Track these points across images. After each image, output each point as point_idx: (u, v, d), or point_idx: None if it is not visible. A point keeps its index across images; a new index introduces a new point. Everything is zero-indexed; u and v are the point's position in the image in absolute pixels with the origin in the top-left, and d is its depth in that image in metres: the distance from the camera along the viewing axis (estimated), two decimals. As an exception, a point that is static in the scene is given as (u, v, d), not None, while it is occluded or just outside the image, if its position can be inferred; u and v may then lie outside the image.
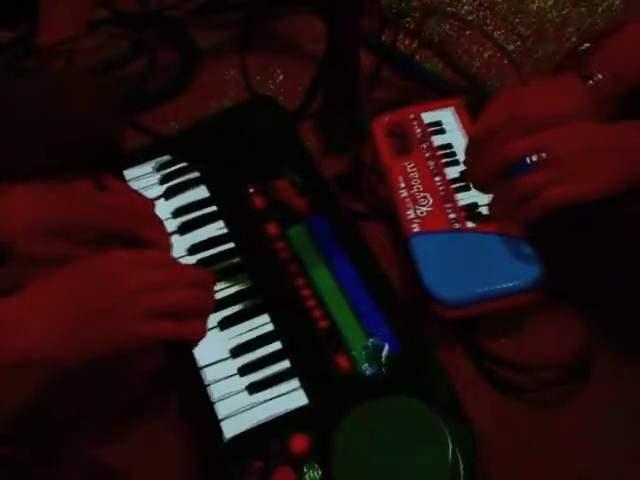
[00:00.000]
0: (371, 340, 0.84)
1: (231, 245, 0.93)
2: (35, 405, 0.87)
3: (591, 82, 0.88)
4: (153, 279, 0.76)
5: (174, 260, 0.83)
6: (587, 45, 0.98)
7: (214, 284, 0.82)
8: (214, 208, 0.97)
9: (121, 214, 0.85)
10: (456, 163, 0.99)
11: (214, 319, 0.87)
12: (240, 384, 0.83)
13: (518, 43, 1.22)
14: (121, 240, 0.85)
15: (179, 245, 0.93)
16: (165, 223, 0.93)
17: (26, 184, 0.82)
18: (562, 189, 0.83)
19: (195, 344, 0.79)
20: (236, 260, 0.92)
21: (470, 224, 0.93)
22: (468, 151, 0.92)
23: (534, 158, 0.86)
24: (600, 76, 0.87)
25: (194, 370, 0.84)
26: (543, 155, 0.85)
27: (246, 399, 0.82)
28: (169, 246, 0.88)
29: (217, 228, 0.95)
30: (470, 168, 0.93)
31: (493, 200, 0.92)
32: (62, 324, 0.71)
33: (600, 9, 1.25)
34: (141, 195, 0.93)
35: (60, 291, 0.73)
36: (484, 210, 0.94)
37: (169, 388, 0.89)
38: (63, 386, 0.86)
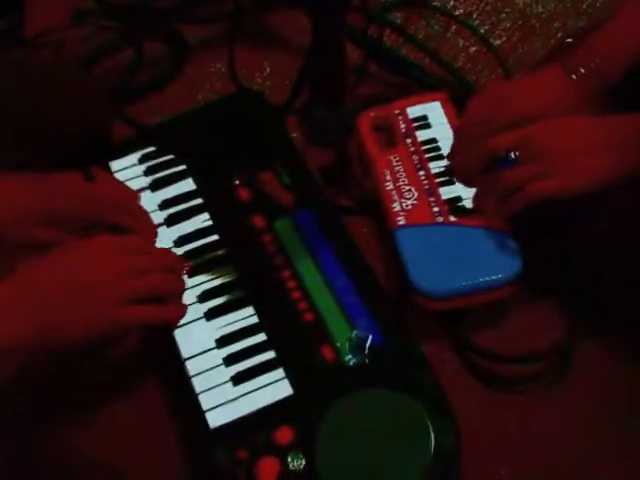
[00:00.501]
0: (355, 332, 0.85)
1: (217, 237, 0.94)
2: (15, 385, 0.87)
3: (574, 76, 0.89)
4: (131, 264, 0.80)
5: (150, 245, 0.86)
6: (571, 40, 0.99)
7: (183, 267, 0.88)
8: (200, 200, 0.97)
9: (107, 205, 0.86)
10: (440, 157, 1.00)
11: (200, 310, 0.88)
12: (225, 375, 0.84)
13: (504, 38, 1.23)
14: (107, 228, 0.87)
15: (166, 237, 0.94)
16: (152, 215, 0.94)
17: (16, 174, 0.84)
18: (545, 183, 0.84)
19: (176, 325, 0.84)
20: (222, 252, 0.93)
21: (453, 217, 0.94)
22: (454, 143, 0.93)
23: (517, 153, 0.87)
24: (583, 70, 0.88)
25: (179, 360, 0.85)
26: (527, 149, 0.86)
27: (231, 390, 0.83)
28: (153, 234, 0.90)
29: (203, 220, 0.95)
30: (454, 161, 0.94)
31: (477, 193, 0.93)
32: (42, 312, 0.73)
33: (584, 5, 1.26)
34: (126, 187, 0.94)
35: (40, 280, 0.75)
36: (467, 204, 0.94)
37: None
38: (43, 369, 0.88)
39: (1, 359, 0.73)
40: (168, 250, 0.90)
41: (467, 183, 0.93)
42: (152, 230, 0.92)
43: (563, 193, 0.85)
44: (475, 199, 0.93)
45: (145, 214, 0.92)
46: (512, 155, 0.88)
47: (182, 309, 0.85)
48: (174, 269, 0.85)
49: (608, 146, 0.84)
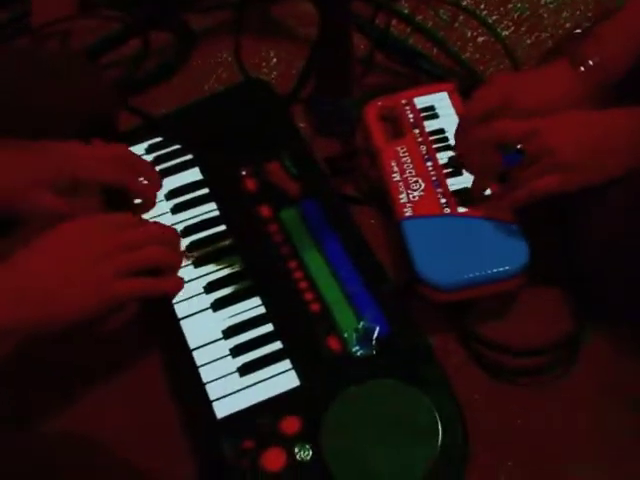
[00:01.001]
0: (362, 323, 0.85)
1: (223, 227, 0.94)
2: (12, 364, 0.89)
3: (582, 68, 0.88)
4: (126, 239, 0.79)
5: (140, 219, 0.85)
6: (579, 31, 0.98)
7: (179, 239, 0.87)
8: (206, 190, 0.97)
9: (107, 162, 0.86)
10: (448, 148, 0.99)
11: (207, 301, 0.88)
12: (232, 365, 0.84)
13: (512, 29, 1.23)
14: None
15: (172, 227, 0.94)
16: (158, 205, 0.94)
17: (15, 141, 0.84)
18: (549, 179, 0.84)
19: (173, 296, 0.86)
20: (228, 242, 0.93)
21: (461, 209, 0.94)
22: (458, 129, 0.93)
23: (522, 146, 0.87)
24: (591, 62, 0.88)
25: (186, 350, 0.85)
26: (532, 143, 0.85)
27: (238, 380, 0.83)
28: (158, 186, 0.90)
29: (209, 210, 0.95)
30: (459, 146, 0.94)
31: (478, 181, 0.93)
32: (39, 293, 0.73)
33: (594, -5, 1.25)
34: (125, 148, 0.93)
35: (35, 261, 0.75)
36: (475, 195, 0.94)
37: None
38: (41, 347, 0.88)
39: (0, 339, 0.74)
40: (164, 225, 0.88)
41: (471, 170, 0.93)
42: (156, 183, 0.91)
43: (566, 188, 0.85)
44: (474, 185, 0.93)
45: (149, 166, 0.92)
46: (518, 147, 0.87)
47: (180, 282, 0.84)
48: (171, 242, 0.84)
49: (612, 141, 0.84)
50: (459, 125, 0.93)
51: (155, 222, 0.89)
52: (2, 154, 0.82)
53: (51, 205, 0.82)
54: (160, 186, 0.91)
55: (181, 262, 0.85)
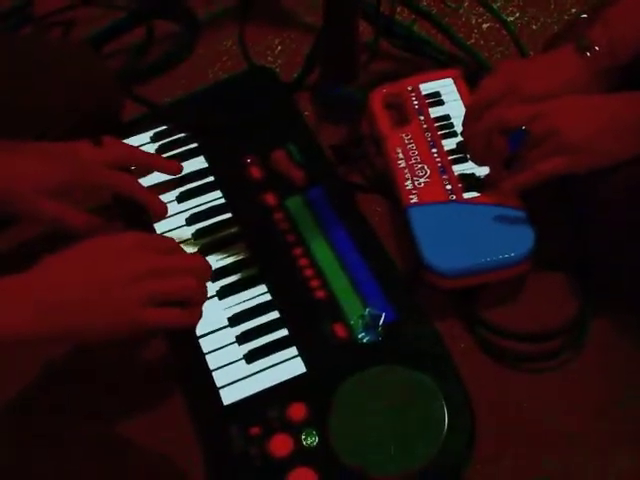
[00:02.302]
0: (368, 309, 0.85)
1: (229, 215, 0.94)
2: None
3: (589, 54, 0.88)
4: (158, 264, 0.76)
5: (177, 246, 0.81)
6: (585, 16, 0.98)
7: (210, 274, 0.82)
8: (212, 178, 0.97)
9: (119, 173, 0.85)
10: (453, 135, 0.99)
11: (212, 288, 0.88)
12: (238, 352, 0.84)
13: (517, 14, 1.22)
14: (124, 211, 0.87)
15: (178, 215, 0.94)
16: (163, 194, 0.94)
17: (21, 143, 0.84)
18: (555, 161, 0.84)
19: (194, 328, 0.82)
20: (234, 230, 0.93)
21: (467, 195, 0.93)
22: (466, 119, 0.93)
23: (528, 128, 0.86)
24: (598, 48, 0.88)
25: (193, 338, 0.85)
26: (539, 125, 0.85)
27: (244, 367, 0.83)
28: (163, 211, 0.90)
29: (215, 198, 0.95)
30: (467, 136, 0.93)
31: (490, 171, 0.93)
32: (58, 307, 0.71)
33: (599, -20, 1.24)
34: (137, 149, 0.94)
35: (60, 272, 0.73)
36: (480, 182, 0.94)
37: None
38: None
39: (19, 346, 0.72)
40: (200, 257, 0.86)
41: (478, 159, 0.93)
42: (162, 207, 0.90)
43: (573, 170, 0.85)
44: (488, 175, 0.93)
45: (161, 160, 0.92)
46: (523, 128, 0.87)
47: (200, 314, 0.80)
48: (204, 276, 0.80)
49: (618, 124, 0.84)
50: (466, 115, 0.93)
51: (195, 255, 0.87)
52: (8, 156, 0.82)
53: (53, 212, 0.82)
54: (180, 170, 0.92)
55: (206, 298, 0.81)
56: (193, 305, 0.78)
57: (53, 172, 0.83)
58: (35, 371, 0.89)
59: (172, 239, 0.83)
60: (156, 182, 0.95)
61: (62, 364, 0.89)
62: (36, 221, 0.86)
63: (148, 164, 0.92)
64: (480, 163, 0.93)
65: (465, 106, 0.99)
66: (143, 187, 0.88)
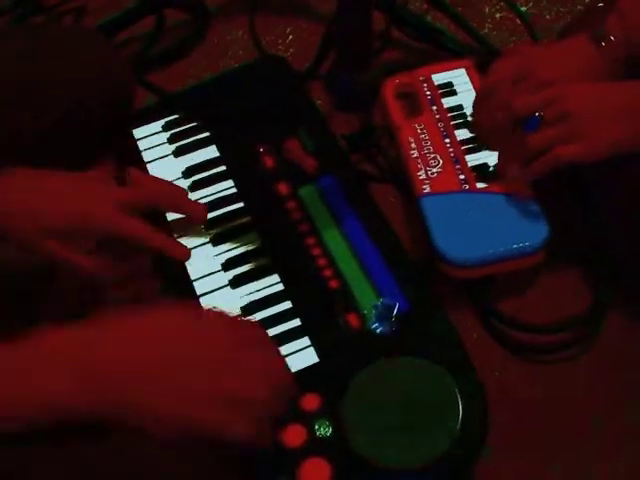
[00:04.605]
0: (381, 299, 0.84)
1: (241, 205, 0.93)
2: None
3: (603, 44, 0.87)
4: (240, 359, 0.64)
5: (265, 338, 0.70)
6: (601, 5, 0.97)
7: (294, 391, 0.71)
8: (224, 167, 0.97)
9: (132, 218, 0.80)
10: (466, 125, 0.98)
11: (225, 278, 0.88)
12: (251, 342, 0.83)
13: (531, 4, 1.21)
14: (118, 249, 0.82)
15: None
16: (175, 183, 0.94)
17: (38, 172, 0.79)
18: (571, 148, 0.83)
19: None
20: (246, 219, 0.92)
21: (480, 185, 0.93)
22: (476, 102, 0.92)
23: (542, 113, 0.86)
24: (613, 38, 0.87)
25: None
26: (553, 110, 0.84)
27: (257, 357, 0.82)
28: (200, 219, 0.87)
29: (227, 187, 0.95)
30: (478, 120, 0.93)
31: (500, 157, 0.92)
32: (116, 381, 0.61)
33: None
34: (165, 189, 0.88)
35: (127, 338, 0.62)
36: (494, 171, 0.93)
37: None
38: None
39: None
40: (285, 365, 0.70)
41: (489, 144, 0.92)
42: (184, 252, 0.86)
43: (588, 157, 0.84)
44: (499, 162, 0.92)
45: (185, 201, 0.87)
46: (537, 114, 0.86)
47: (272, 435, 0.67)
48: (283, 392, 0.66)
49: (632, 112, 0.83)
50: (477, 97, 0.93)
51: (278, 358, 0.70)
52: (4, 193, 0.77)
53: (56, 254, 0.78)
54: (204, 218, 0.88)
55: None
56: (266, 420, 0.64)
57: (55, 213, 0.77)
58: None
59: (260, 327, 0.72)
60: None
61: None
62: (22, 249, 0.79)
63: (173, 210, 0.88)
64: (491, 148, 0.93)
65: (476, 90, 0.99)
66: (160, 235, 0.83)
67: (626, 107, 0.83)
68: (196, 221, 0.90)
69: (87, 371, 0.60)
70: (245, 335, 0.66)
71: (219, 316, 0.68)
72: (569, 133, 0.83)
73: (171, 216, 0.91)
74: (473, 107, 0.93)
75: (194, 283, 0.87)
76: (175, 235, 0.90)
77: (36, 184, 0.79)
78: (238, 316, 0.77)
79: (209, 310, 0.73)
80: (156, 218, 0.89)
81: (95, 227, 0.80)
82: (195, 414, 0.61)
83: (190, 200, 0.91)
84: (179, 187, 0.91)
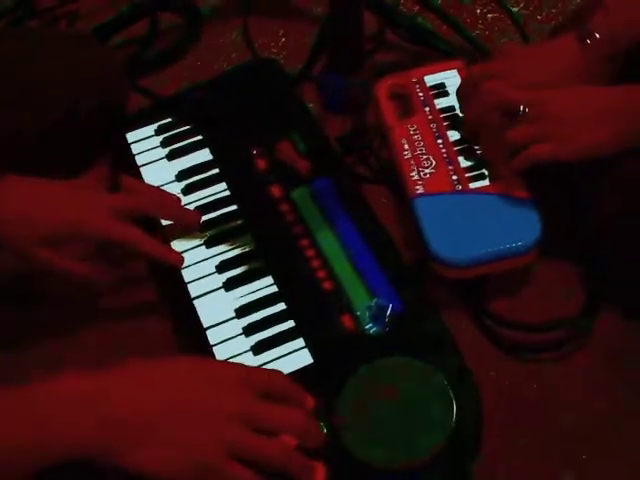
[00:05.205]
0: (375, 300, 0.85)
1: (234, 207, 0.94)
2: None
3: (589, 41, 0.88)
4: (254, 411, 0.66)
5: (284, 385, 0.70)
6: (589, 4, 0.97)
7: (319, 439, 0.71)
8: (217, 170, 0.97)
9: (122, 224, 0.81)
10: (458, 126, 0.99)
11: (219, 280, 0.88)
12: (245, 344, 0.84)
13: (522, 4, 1.22)
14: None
15: (183, 207, 0.94)
16: (169, 187, 0.94)
17: (30, 180, 0.80)
18: (549, 147, 0.85)
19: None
20: (240, 222, 0.93)
21: (473, 185, 0.93)
22: (461, 88, 0.94)
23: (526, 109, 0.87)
24: (598, 35, 0.88)
25: (200, 329, 0.85)
26: (534, 110, 0.86)
27: (251, 359, 0.83)
28: (195, 222, 0.88)
29: (220, 190, 0.95)
30: (465, 107, 0.94)
31: (481, 149, 0.93)
32: (133, 428, 0.62)
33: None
34: (156, 196, 0.90)
35: (147, 387, 0.65)
36: (486, 172, 0.94)
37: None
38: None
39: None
40: (309, 418, 0.71)
41: (478, 138, 0.93)
42: (178, 258, 0.88)
43: (557, 157, 0.85)
44: (483, 156, 0.93)
45: (178, 208, 0.89)
46: (521, 109, 0.87)
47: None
48: (306, 443, 0.67)
49: (613, 115, 0.84)
50: (460, 86, 0.94)
51: (303, 414, 0.70)
52: (14, 206, 0.78)
53: (50, 261, 0.79)
54: (197, 225, 0.89)
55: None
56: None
57: (49, 219, 0.79)
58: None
59: (280, 375, 0.73)
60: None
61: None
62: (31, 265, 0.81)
63: (166, 217, 0.90)
64: (479, 141, 0.94)
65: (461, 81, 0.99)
66: (153, 241, 0.85)
67: (606, 110, 0.84)
68: (190, 228, 0.90)
69: (103, 414, 0.62)
70: (263, 384, 0.68)
71: (241, 369, 0.70)
72: (546, 132, 0.85)
73: (165, 221, 0.92)
74: (456, 95, 0.95)
75: (188, 285, 0.88)
76: (169, 238, 0.91)
77: (31, 192, 0.81)
78: (255, 368, 0.78)
79: (229, 364, 0.75)
80: (151, 223, 0.90)
81: (89, 233, 0.81)
82: (215, 468, 0.63)
83: (183, 207, 0.92)
84: (172, 195, 0.92)
